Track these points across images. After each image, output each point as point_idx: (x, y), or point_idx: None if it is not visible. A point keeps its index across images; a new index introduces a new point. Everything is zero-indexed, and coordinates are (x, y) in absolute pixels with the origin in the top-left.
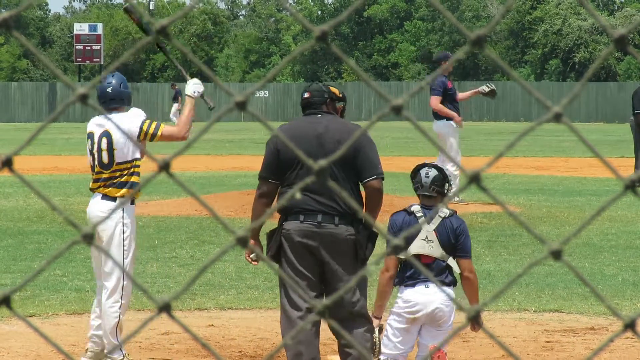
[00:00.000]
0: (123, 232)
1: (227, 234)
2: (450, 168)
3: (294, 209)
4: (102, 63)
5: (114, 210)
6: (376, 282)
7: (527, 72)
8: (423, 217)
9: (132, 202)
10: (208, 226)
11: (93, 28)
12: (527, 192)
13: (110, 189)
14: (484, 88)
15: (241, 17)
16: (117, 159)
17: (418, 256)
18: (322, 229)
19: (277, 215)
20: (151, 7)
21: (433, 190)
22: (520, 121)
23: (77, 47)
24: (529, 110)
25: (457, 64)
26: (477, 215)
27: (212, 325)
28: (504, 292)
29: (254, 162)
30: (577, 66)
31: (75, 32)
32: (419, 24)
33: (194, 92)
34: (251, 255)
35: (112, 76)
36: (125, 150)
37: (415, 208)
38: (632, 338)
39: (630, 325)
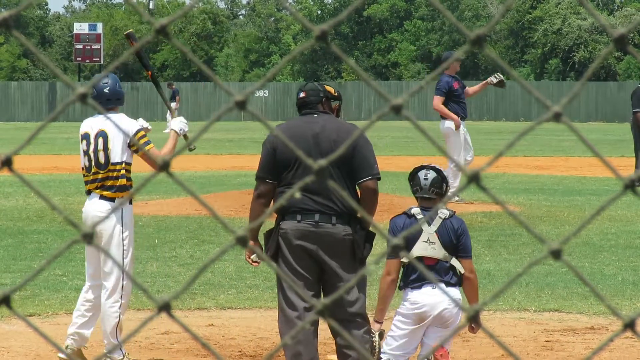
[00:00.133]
0: (122, 232)
1: (227, 233)
2: (453, 168)
3: (291, 209)
4: (102, 62)
5: (114, 210)
6: (376, 282)
7: (527, 71)
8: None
9: (130, 202)
10: (208, 226)
11: (93, 27)
12: (526, 192)
13: (107, 191)
14: (493, 79)
15: (241, 16)
16: (112, 159)
17: (421, 258)
18: (320, 229)
19: (275, 215)
20: (151, 7)
21: (432, 192)
22: (520, 120)
23: (76, 46)
24: (528, 109)
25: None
26: (477, 215)
27: (212, 324)
28: (503, 291)
29: (254, 162)
30: (576, 66)
31: (75, 31)
32: (419, 23)
33: (180, 130)
34: (252, 257)
35: (107, 76)
36: (120, 151)
37: (415, 210)
38: (631, 338)
39: (630, 325)
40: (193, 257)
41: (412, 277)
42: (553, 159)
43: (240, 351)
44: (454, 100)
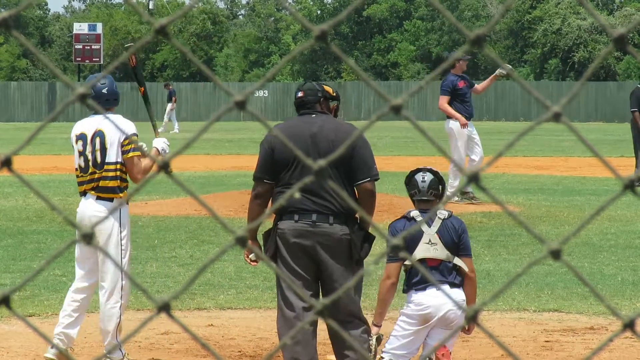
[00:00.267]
0: (120, 232)
1: (226, 233)
2: (454, 168)
3: (288, 209)
4: (102, 63)
5: (114, 209)
6: (375, 283)
7: (527, 71)
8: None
9: (127, 202)
10: (207, 226)
11: (92, 28)
12: (526, 192)
13: (103, 192)
14: (502, 71)
15: (240, 16)
16: (108, 159)
17: (424, 260)
18: (317, 229)
19: (272, 215)
20: (151, 7)
21: (431, 194)
22: (520, 121)
23: (76, 46)
24: (528, 109)
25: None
26: (477, 215)
27: (211, 325)
28: (503, 291)
29: (254, 162)
30: (576, 66)
31: (74, 31)
32: (419, 23)
33: (162, 150)
34: (250, 256)
35: (103, 77)
36: (117, 151)
37: (415, 213)
38: (631, 338)
39: (629, 325)
40: (193, 258)
41: (415, 279)
42: (553, 159)
43: (239, 351)
44: (459, 99)
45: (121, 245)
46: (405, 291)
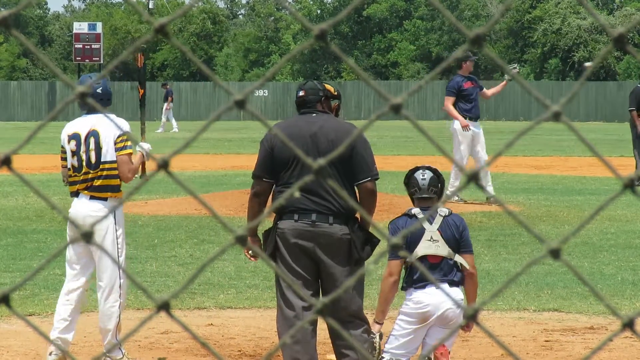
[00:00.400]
0: (116, 230)
1: (226, 233)
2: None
3: (288, 208)
4: (102, 62)
5: (113, 209)
6: (376, 283)
7: (527, 71)
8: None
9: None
10: (207, 225)
11: (92, 27)
12: (526, 191)
13: (98, 192)
14: (509, 77)
15: (240, 16)
16: (104, 158)
17: (425, 257)
18: (317, 228)
19: (272, 215)
20: (150, 6)
21: (431, 191)
22: (520, 120)
23: (76, 46)
24: (528, 109)
25: (457, 63)
26: (477, 215)
27: (211, 324)
28: (503, 291)
29: (254, 161)
30: (576, 65)
31: (74, 31)
32: (419, 23)
33: (146, 154)
34: (250, 252)
35: (96, 76)
36: (112, 150)
37: (415, 210)
38: (631, 337)
39: (629, 325)
40: (192, 257)
41: (415, 276)
42: (552, 158)
43: (239, 351)
44: (464, 100)
45: (117, 244)
46: (404, 289)
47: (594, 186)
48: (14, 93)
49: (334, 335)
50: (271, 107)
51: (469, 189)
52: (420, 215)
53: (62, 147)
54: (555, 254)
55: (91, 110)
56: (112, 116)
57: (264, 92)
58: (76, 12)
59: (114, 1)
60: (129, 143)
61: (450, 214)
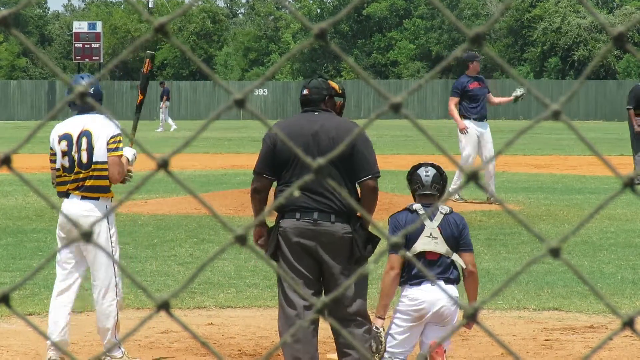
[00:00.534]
0: (109, 229)
1: (226, 232)
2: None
3: (290, 207)
4: (102, 61)
5: (113, 208)
6: (376, 282)
7: (527, 70)
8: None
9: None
10: (207, 224)
11: (92, 26)
12: (526, 190)
13: (89, 192)
14: (517, 94)
15: (240, 15)
16: (95, 158)
17: (423, 253)
18: (319, 227)
19: (274, 214)
20: (150, 5)
21: (434, 188)
22: (519, 119)
23: (76, 45)
24: (528, 108)
25: (456, 62)
26: (477, 214)
27: (211, 323)
28: (502, 290)
29: (253, 161)
30: (576, 64)
31: (74, 30)
32: (418, 22)
33: (131, 160)
34: (259, 241)
35: (88, 77)
36: (104, 150)
37: (417, 206)
38: (631, 336)
39: (628, 324)
40: (192, 256)
41: (413, 272)
42: (552, 157)
43: (239, 350)
44: (468, 100)
45: (111, 243)
46: (401, 283)
47: (594, 185)
48: (14, 92)
49: (336, 333)
50: (271, 106)
51: (470, 188)
52: (421, 212)
53: (52, 148)
54: (555, 252)
55: (82, 111)
56: (102, 117)
57: (263, 91)
58: (76, 11)
59: (113, 0)
60: (121, 145)
61: (451, 212)
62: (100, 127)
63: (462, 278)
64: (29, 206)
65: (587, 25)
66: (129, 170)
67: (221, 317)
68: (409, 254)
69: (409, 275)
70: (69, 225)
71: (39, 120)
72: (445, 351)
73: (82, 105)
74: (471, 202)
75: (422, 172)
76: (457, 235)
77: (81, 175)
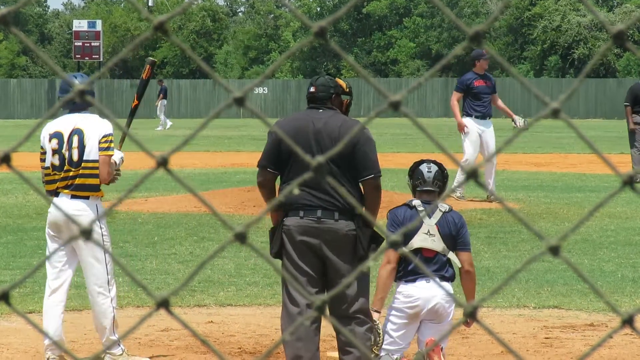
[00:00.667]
0: (101, 228)
1: (226, 230)
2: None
3: (294, 205)
4: (101, 60)
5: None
6: (373, 280)
7: (526, 68)
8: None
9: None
10: (207, 223)
11: (92, 25)
12: (526, 189)
13: (79, 190)
14: (520, 123)
15: (240, 13)
16: (86, 157)
17: (420, 250)
18: (322, 225)
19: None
20: (150, 4)
21: (436, 185)
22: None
23: (76, 43)
24: (528, 106)
25: (456, 60)
26: (477, 212)
27: (211, 321)
28: (502, 288)
29: (253, 159)
30: (576, 62)
31: (74, 28)
32: (418, 20)
33: (118, 164)
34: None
35: (81, 76)
36: (95, 149)
37: (416, 202)
38: (631, 334)
39: (628, 321)
40: (192, 254)
41: (409, 267)
42: (552, 155)
43: (239, 348)
44: (472, 97)
45: (103, 241)
46: (396, 279)
47: (594, 183)
48: (14, 91)
49: (338, 331)
50: (271, 105)
51: (470, 186)
52: (421, 208)
53: (42, 147)
54: (555, 251)
55: (74, 109)
56: (96, 117)
57: (263, 90)
58: (76, 9)
59: None
60: (112, 145)
61: (450, 210)
62: (92, 125)
63: (458, 277)
64: (29, 204)
65: (587, 24)
66: (117, 170)
67: (221, 315)
68: (406, 250)
69: (404, 272)
70: (60, 223)
71: (39, 119)
72: (442, 349)
73: (80, 103)
74: (471, 200)
75: (424, 168)
76: (454, 234)
77: (71, 174)
